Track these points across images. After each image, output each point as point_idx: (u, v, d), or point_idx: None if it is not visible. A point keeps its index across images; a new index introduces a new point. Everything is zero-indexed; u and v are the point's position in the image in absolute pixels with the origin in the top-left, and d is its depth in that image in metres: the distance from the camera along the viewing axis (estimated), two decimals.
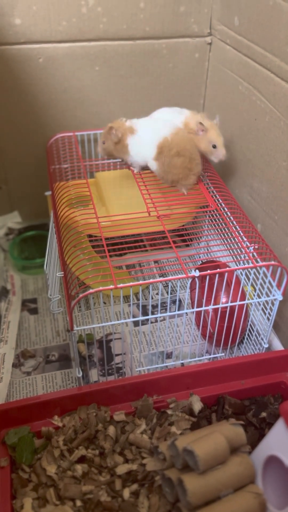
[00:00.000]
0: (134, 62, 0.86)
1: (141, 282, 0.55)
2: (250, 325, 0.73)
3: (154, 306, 0.86)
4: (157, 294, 0.88)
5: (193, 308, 0.79)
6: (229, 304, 0.63)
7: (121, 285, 0.54)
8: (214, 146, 0.75)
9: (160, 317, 0.83)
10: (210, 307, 0.63)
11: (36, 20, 0.77)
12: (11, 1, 0.75)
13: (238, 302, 0.63)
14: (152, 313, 0.84)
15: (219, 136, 0.76)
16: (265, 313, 0.69)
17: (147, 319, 0.82)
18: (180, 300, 0.86)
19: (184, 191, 0.76)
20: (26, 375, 0.75)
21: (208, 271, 0.57)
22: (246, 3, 0.71)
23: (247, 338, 0.75)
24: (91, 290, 0.54)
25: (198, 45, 0.86)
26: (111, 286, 0.53)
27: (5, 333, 0.80)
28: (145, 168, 0.80)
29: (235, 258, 0.71)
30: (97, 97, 0.88)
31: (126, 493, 0.55)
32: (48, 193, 0.83)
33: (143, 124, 0.78)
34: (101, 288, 0.54)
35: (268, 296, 0.64)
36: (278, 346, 0.73)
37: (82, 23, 0.79)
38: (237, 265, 0.69)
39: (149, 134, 0.76)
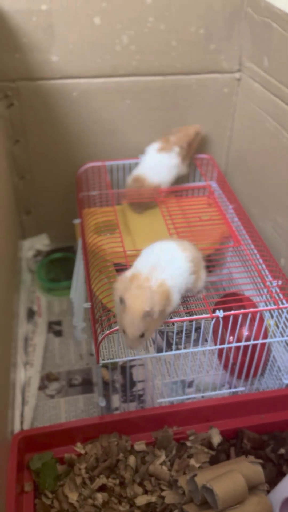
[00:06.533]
0: (164, 95, 0.88)
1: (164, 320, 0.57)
2: (272, 359, 0.74)
3: (177, 333, 0.87)
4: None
5: (215, 340, 0.80)
6: (251, 342, 0.64)
7: None
8: None
9: (182, 348, 0.84)
10: (233, 345, 0.65)
11: (72, 57, 0.81)
12: (49, 40, 0.79)
13: (260, 341, 0.64)
14: (175, 340, 0.86)
15: None
16: (287, 350, 0.70)
17: (169, 347, 0.83)
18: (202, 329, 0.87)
19: None
20: (50, 398, 0.77)
21: (232, 312, 0.59)
22: (276, 46, 0.73)
23: (268, 371, 0.75)
24: (117, 327, 0.56)
25: (227, 81, 0.88)
26: None
27: (31, 356, 0.82)
28: None
29: (258, 292, 0.72)
30: (126, 128, 0.90)
31: None
32: (76, 221, 0.86)
33: None
34: None
35: None
36: None
37: (115, 60, 0.82)
38: (260, 299, 0.70)
39: None
